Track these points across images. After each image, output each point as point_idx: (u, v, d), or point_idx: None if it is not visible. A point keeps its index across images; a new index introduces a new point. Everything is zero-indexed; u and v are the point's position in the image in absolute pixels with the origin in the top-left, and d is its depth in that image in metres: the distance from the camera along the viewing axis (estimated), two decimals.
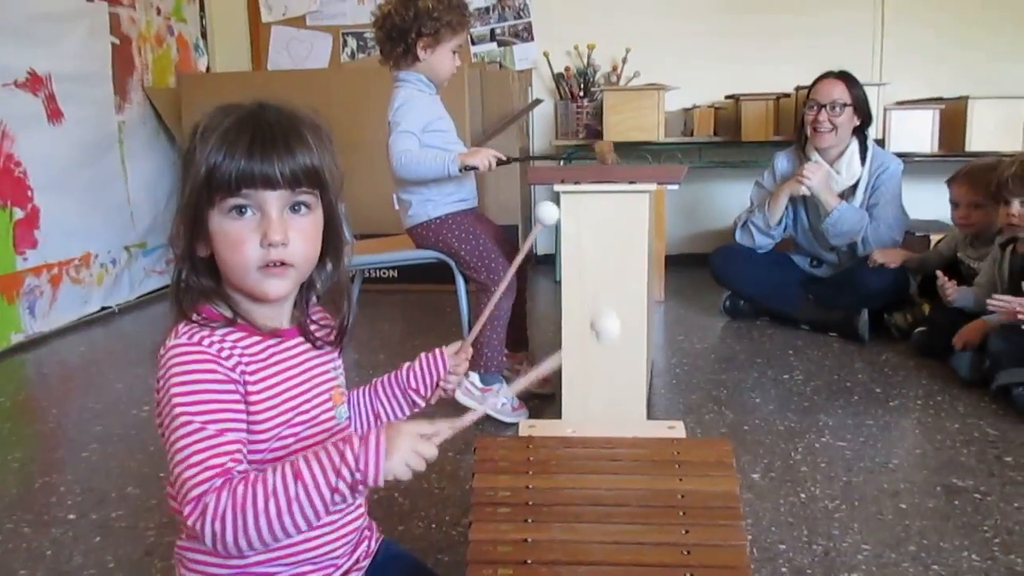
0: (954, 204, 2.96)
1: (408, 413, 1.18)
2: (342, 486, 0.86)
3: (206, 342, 0.94)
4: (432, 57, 2.21)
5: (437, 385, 1.17)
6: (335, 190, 1.00)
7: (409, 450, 0.88)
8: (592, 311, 1.03)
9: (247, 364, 0.96)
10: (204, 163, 0.92)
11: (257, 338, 0.99)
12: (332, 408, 1.06)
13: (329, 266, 1.05)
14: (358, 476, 0.86)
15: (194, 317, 0.96)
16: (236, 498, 0.86)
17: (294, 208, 0.96)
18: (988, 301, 2.36)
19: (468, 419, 0.96)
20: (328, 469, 0.87)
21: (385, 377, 1.19)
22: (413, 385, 1.17)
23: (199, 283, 0.98)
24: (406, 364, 1.18)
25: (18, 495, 1.91)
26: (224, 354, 0.95)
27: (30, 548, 1.65)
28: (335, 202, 1.01)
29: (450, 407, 2.24)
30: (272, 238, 0.94)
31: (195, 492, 0.87)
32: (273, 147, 0.93)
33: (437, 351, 1.18)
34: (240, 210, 0.94)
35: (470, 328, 2.30)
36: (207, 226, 0.95)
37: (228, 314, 0.98)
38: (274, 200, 0.94)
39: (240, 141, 0.92)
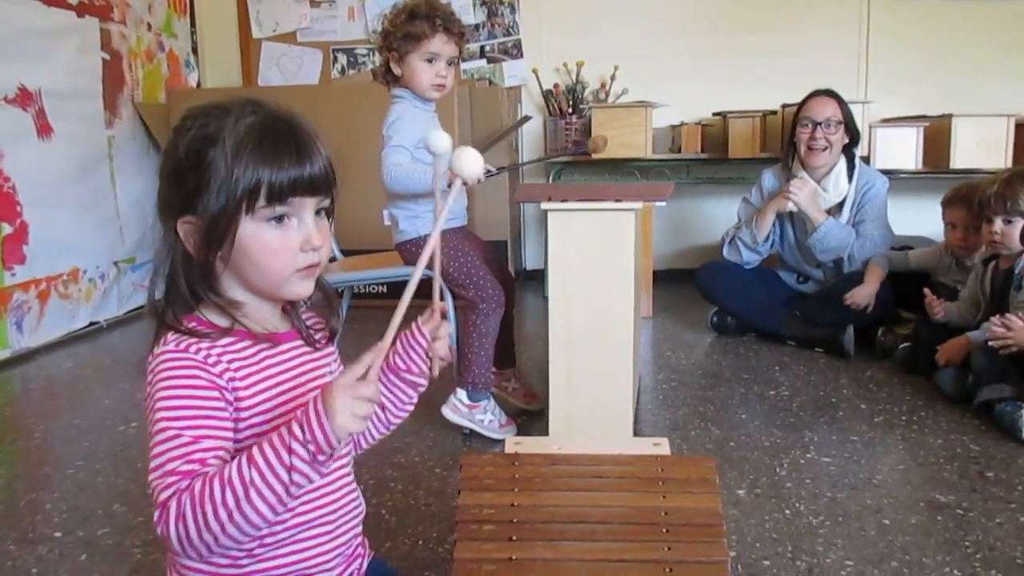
0: (951, 225, 2.98)
1: (415, 397, 1.15)
2: (297, 462, 0.86)
3: (193, 348, 0.95)
4: (404, 70, 2.26)
5: (430, 357, 1.14)
6: (336, 189, 1.03)
7: (349, 400, 0.86)
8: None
9: (236, 370, 0.96)
10: (243, 174, 0.93)
11: (249, 342, 0.99)
12: None
13: None
14: (311, 447, 0.86)
15: (182, 327, 0.96)
16: (194, 495, 0.86)
17: (319, 211, 1.00)
18: (991, 327, 2.35)
19: (388, 338, 0.92)
20: (280, 447, 0.86)
21: None
22: (404, 367, 1.13)
23: (195, 290, 0.97)
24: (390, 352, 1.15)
25: (3, 512, 1.90)
26: (211, 360, 0.95)
27: (15, 566, 1.64)
28: (333, 201, 1.03)
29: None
30: (315, 243, 0.98)
31: (161, 497, 0.88)
32: (311, 156, 0.96)
33: (412, 325, 1.14)
34: (280, 218, 0.96)
35: (458, 345, 2.31)
36: (233, 234, 0.95)
37: (222, 323, 0.98)
38: (311, 206, 0.98)
39: (284, 152, 0.95)
